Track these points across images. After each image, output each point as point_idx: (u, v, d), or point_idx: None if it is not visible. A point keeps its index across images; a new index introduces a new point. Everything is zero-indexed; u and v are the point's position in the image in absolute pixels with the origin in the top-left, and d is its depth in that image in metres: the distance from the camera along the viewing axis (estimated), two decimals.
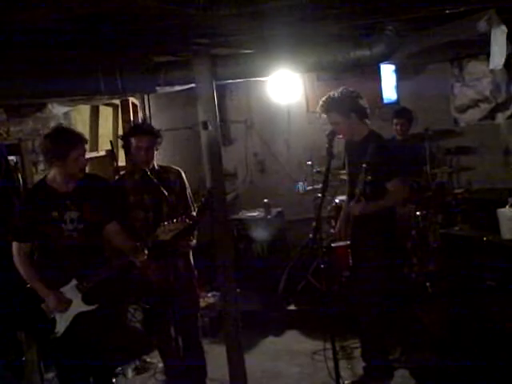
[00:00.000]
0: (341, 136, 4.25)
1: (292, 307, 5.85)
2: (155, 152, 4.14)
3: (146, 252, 3.59)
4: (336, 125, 4.17)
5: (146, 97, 7.04)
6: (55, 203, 3.57)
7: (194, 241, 4.26)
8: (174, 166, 4.32)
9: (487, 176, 6.61)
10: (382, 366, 4.34)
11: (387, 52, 4.08)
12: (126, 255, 3.62)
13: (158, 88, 4.39)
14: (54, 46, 3.76)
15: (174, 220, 3.56)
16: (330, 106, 4.18)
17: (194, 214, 4.08)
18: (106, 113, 6.38)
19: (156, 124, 4.80)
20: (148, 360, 5.00)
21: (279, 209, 6.74)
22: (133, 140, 4.08)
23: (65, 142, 3.50)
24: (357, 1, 3.71)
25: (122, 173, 4.94)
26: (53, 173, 3.61)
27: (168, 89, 4.62)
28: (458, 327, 4.64)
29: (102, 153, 6.10)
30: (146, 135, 4.08)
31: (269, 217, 6.46)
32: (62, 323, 3.56)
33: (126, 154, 4.32)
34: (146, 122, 4.49)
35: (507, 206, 4.00)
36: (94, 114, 6.20)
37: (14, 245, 3.58)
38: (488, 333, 3.72)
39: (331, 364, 3.85)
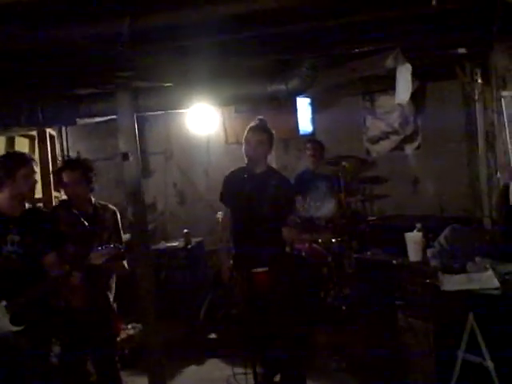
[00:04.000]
0: (250, 158, 4.37)
1: (213, 336, 5.92)
2: (88, 187, 4.19)
3: (79, 275, 3.64)
4: (260, 144, 4.31)
5: (63, 128, 7.03)
6: (1, 225, 3.61)
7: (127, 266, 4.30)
8: (110, 205, 4.36)
9: (398, 204, 6.94)
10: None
11: (302, 87, 4.31)
12: (55, 279, 3.66)
13: (77, 119, 4.45)
14: None
15: (107, 245, 3.65)
16: (266, 128, 4.37)
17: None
18: (22, 144, 6.28)
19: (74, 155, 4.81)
20: None
21: (199, 238, 6.82)
22: (63, 174, 4.12)
23: (13, 160, 3.63)
24: (274, 38, 3.92)
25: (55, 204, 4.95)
26: (1, 196, 3.65)
27: (88, 120, 4.68)
28: (373, 346, 4.89)
29: None
30: (73, 170, 4.11)
31: (189, 246, 6.53)
32: None
33: (59, 186, 4.35)
34: (78, 155, 4.47)
35: (414, 231, 4.25)
36: (10, 145, 6.10)
37: None
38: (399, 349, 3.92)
39: None
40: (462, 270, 3.41)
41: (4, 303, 3.54)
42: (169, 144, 7.77)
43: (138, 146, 4.16)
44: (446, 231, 3.88)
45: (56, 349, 4.57)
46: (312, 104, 7.28)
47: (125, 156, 4.07)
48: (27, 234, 3.68)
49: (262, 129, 4.38)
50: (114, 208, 4.37)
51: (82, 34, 3.10)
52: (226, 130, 7.54)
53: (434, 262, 3.73)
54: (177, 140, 7.68)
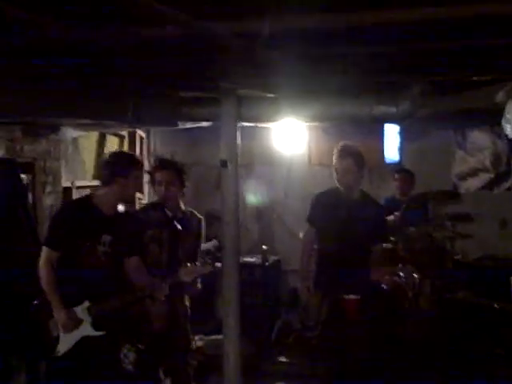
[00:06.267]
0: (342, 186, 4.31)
1: (283, 358, 5.76)
2: (180, 190, 4.14)
3: (168, 290, 3.54)
4: (347, 172, 4.23)
5: (151, 130, 7.06)
6: (97, 223, 3.57)
7: (199, 285, 4.20)
8: (197, 213, 4.32)
9: (482, 244, 6.62)
10: None
11: (412, 110, 4.13)
12: (141, 290, 3.58)
13: (179, 122, 4.43)
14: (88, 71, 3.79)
15: (197, 263, 3.55)
16: (350, 151, 4.25)
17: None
18: (112, 143, 6.34)
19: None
20: None
21: (276, 257, 6.71)
22: (156, 174, 4.09)
23: (129, 159, 3.67)
24: (384, 57, 3.76)
25: (144, 205, 5.00)
26: (104, 192, 3.60)
27: (188, 125, 4.67)
28: None
29: None
30: (167, 170, 4.07)
31: (266, 264, 6.42)
32: (65, 343, 3.44)
33: (152, 186, 4.34)
34: (172, 157, 4.42)
35: None
36: (101, 143, 6.16)
37: (45, 251, 3.50)
38: None
39: None
40: None
41: (87, 304, 3.47)
42: (251, 158, 7.67)
43: (239, 154, 4.08)
44: None
45: (132, 355, 4.50)
46: (401, 132, 7.07)
47: (224, 163, 4.00)
48: (117, 234, 3.61)
49: (347, 154, 4.27)
50: (201, 216, 4.30)
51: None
52: (310, 151, 7.41)
53: None
54: (259, 155, 7.58)
